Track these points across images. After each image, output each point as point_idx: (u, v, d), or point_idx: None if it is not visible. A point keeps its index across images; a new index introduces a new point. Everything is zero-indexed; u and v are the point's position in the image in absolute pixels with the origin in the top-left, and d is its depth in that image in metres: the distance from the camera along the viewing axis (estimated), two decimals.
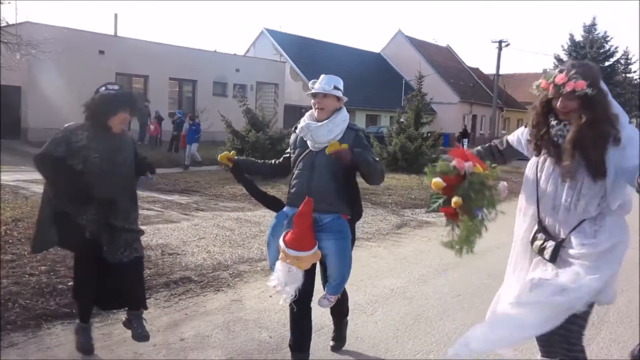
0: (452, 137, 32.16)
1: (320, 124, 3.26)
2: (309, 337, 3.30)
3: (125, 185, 3.56)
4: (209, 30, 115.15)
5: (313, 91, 3.30)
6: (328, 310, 4.64)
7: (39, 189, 10.44)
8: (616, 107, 2.45)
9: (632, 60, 44.56)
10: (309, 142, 3.29)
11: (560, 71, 2.41)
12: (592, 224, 2.47)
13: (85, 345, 3.55)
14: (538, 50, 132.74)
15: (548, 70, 2.47)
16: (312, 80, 3.43)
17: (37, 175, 13.27)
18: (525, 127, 2.76)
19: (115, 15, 32.47)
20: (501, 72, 42.62)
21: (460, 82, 45.62)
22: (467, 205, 2.37)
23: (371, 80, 39.13)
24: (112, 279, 3.45)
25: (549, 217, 2.58)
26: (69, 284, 4.46)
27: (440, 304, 4.82)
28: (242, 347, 3.78)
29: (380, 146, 18.23)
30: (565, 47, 43.25)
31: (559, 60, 43.37)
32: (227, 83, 27.89)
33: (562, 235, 2.51)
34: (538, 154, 2.63)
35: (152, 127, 21.83)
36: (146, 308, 3.71)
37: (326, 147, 3.16)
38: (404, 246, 7.35)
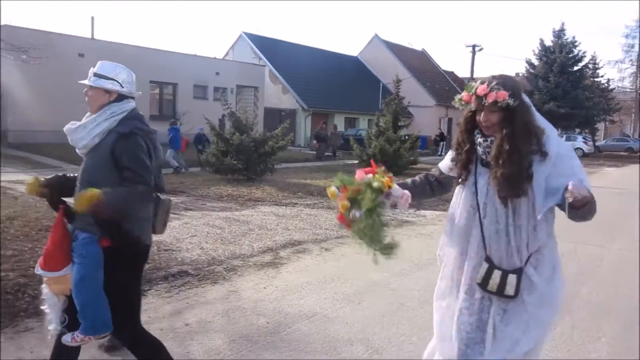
0: (429, 139, 32.85)
1: (78, 124, 2.72)
2: None
3: None
4: (188, 34, 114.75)
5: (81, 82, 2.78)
6: (321, 297, 5.03)
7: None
8: (541, 121, 2.36)
9: (600, 65, 45.92)
10: None
11: (482, 82, 2.32)
12: (536, 255, 2.35)
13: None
14: (510, 55, 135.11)
15: (471, 83, 2.37)
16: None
17: (22, 176, 13.22)
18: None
19: (92, 18, 32.34)
20: (475, 75, 43.58)
21: (436, 85, 46.45)
22: (352, 209, 2.26)
23: (349, 83, 39.67)
24: None
25: (494, 249, 2.37)
26: None
27: (421, 294, 5.19)
28: (242, 332, 4.12)
29: (359, 148, 18.71)
30: (536, 51, 44.35)
31: (530, 64, 44.49)
32: (207, 86, 28.09)
33: (508, 267, 2.34)
34: (459, 176, 2.49)
35: None
36: None
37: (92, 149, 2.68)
38: None
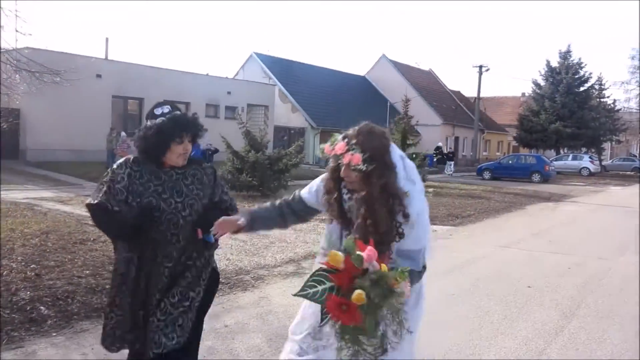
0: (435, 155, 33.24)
1: None
2: None
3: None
4: (200, 54, 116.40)
5: None
6: None
7: (51, 205, 11.10)
8: (410, 175, 2.30)
9: (606, 86, 46.39)
10: None
11: (344, 137, 2.25)
12: None
13: None
14: (517, 75, 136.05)
15: (335, 135, 2.32)
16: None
17: (45, 193, 13.85)
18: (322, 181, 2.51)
19: (107, 39, 33.16)
20: (482, 95, 44.17)
21: (443, 104, 47.07)
22: (368, 309, 1.88)
23: (357, 102, 40.26)
24: None
25: None
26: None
27: (435, 300, 5.58)
28: (278, 332, 4.48)
29: None
30: (543, 72, 44.98)
31: (537, 84, 45.03)
32: (219, 105, 28.73)
33: None
34: (330, 222, 2.43)
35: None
36: None
37: None
38: None
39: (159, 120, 2.62)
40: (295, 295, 1.96)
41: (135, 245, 2.69)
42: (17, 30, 19.87)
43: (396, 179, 2.23)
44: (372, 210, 2.16)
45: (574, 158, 38.16)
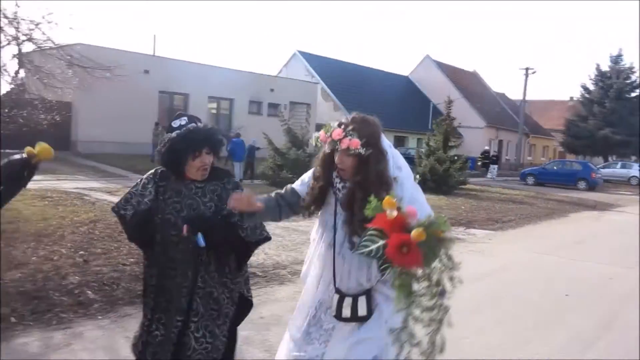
0: (479, 160, 32.76)
1: None
2: None
3: None
4: (244, 52, 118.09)
5: None
6: None
7: (99, 195, 11.54)
8: (399, 164, 2.37)
9: None
10: None
11: (339, 125, 2.30)
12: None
13: None
14: (565, 78, 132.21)
15: (330, 123, 2.36)
16: None
17: (94, 184, 14.40)
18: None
19: (154, 36, 33.98)
20: (527, 98, 43.23)
21: (487, 107, 46.29)
22: (427, 247, 1.92)
23: (399, 102, 40.09)
24: None
25: (344, 282, 2.41)
26: None
27: (472, 302, 5.58)
28: None
29: (410, 167, 19.10)
30: (592, 76, 43.70)
31: (586, 89, 43.79)
32: (262, 102, 29.11)
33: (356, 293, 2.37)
34: (308, 207, 2.49)
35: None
36: None
37: None
38: None
39: (174, 134, 2.55)
40: (353, 252, 2.06)
41: (155, 260, 2.67)
42: (70, 28, 20.63)
43: (387, 166, 2.31)
44: (366, 196, 2.14)
45: (623, 166, 36.84)
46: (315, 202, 2.46)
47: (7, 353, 3.87)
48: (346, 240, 2.35)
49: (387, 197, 1.98)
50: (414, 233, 1.88)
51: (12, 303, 4.62)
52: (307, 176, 2.58)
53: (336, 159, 2.30)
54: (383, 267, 1.97)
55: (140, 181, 2.71)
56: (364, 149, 2.21)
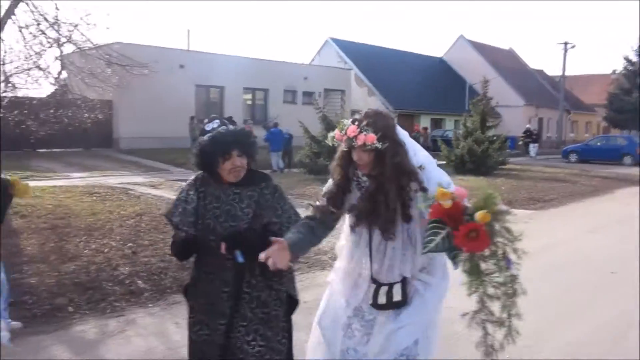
0: (518, 139, 32.10)
1: None
2: None
3: None
4: (276, 42, 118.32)
5: None
6: None
7: (143, 189, 11.90)
8: (420, 156, 2.37)
9: None
10: None
11: (353, 122, 2.29)
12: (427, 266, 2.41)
13: None
14: (606, 51, 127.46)
15: (343, 121, 2.34)
16: None
17: (137, 178, 14.75)
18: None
19: (188, 31, 34.50)
20: (567, 73, 42.02)
21: (525, 84, 45.20)
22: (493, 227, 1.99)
23: (435, 84, 39.57)
24: None
25: (378, 271, 2.44)
26: None
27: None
28: None
29: (448, 149, 18.96)
30: (635, 47, 42.03)
31: (628, 60, 42.21)
32: (296, 91, 29.26)
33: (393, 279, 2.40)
34: (330, 205, 2.46)
35: None
36: None
37: None
38: None
39: (205, 137, 2.55)
40: (423, 253, 2.09)
41: (196, 264, 2.72)
42: (107, 28, 21.11)
43: (407, 155, 2.31)
44: (384, 189, 2.23)
45: None
46: (335, 200, 2.45)
47: (67, 340, 4.12)
48: (382, 238, 2.37)
49: (439, 190, 2.02)
50: (479, 216, 1.93)
51: (68, 294, 4.89)
52: (326, 187, 2.55)
53: (354, 156, 2.29)
54: (453, 256, 2.03)
55: (184, 188, 2.73)
56: (380, 142, 2.21)
